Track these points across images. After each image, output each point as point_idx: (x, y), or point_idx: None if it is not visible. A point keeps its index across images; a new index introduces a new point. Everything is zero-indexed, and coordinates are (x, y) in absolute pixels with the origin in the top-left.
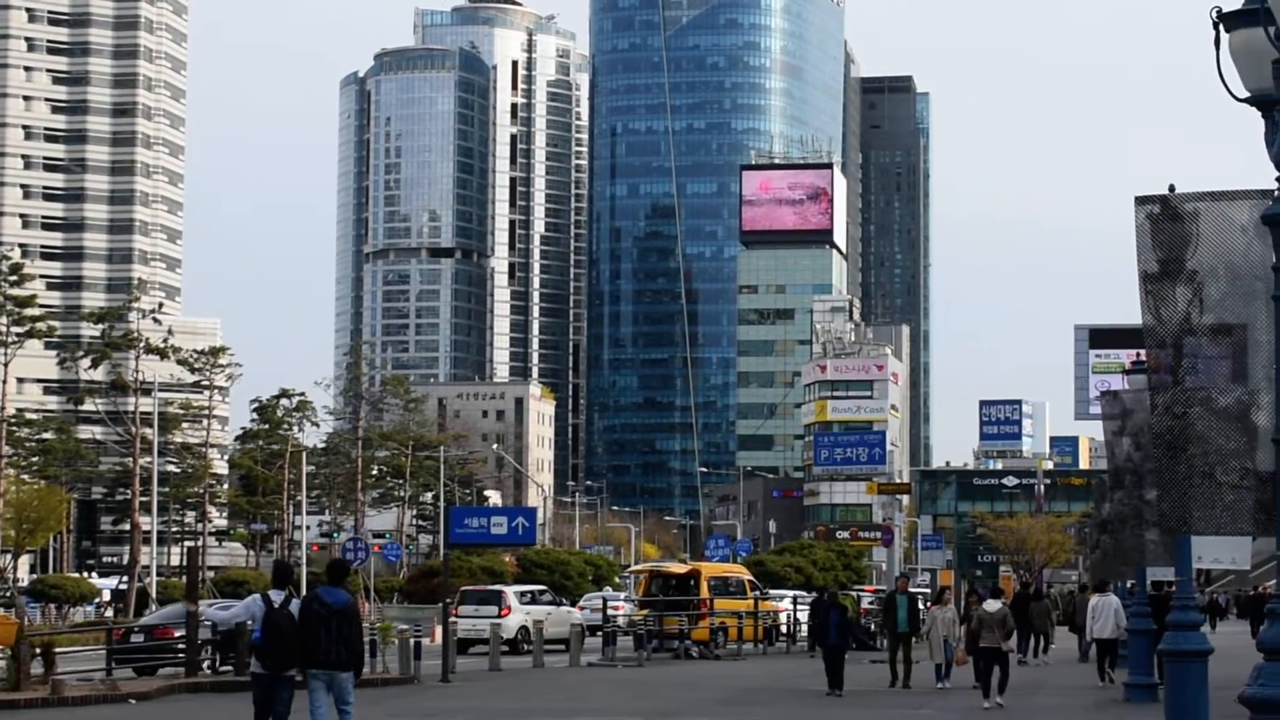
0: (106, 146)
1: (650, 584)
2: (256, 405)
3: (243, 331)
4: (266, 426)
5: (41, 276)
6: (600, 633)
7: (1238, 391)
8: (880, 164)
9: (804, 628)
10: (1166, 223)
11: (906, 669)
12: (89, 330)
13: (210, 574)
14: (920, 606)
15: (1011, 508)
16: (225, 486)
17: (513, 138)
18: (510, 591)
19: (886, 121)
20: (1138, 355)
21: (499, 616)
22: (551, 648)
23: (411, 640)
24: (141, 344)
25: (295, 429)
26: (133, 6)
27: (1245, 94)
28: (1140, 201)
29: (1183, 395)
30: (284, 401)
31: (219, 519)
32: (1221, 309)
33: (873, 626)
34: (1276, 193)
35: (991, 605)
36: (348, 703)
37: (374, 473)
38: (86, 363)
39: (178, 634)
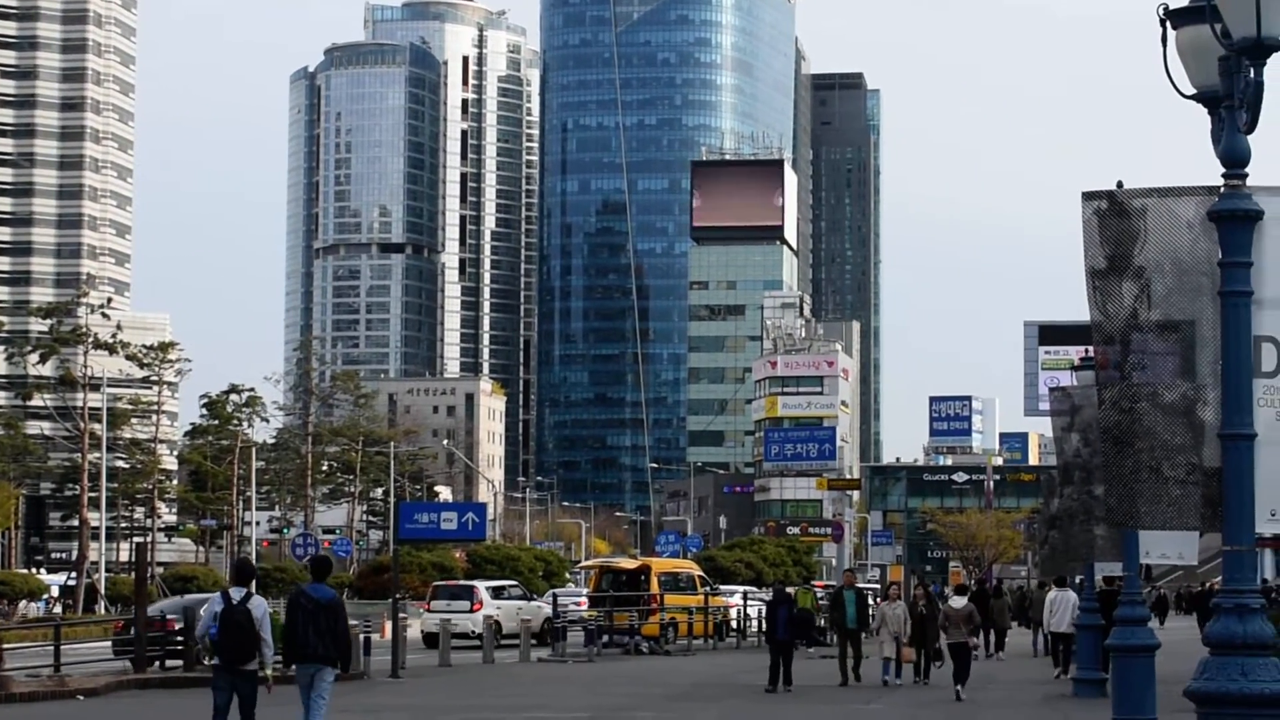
0: (55, 141)
1: (601, 580)
2: (206, 401)
3: (193, 327)
4: (216, 422)
5: None
6: (553, 628)
7: (1184, 387)
8: (831, 160)
9: (754, 624)
10: (1114, 219)
11: (856, 665)
12: (37, 325)
13: (160, 570)
14: (871, 602)
15: (961, 503)
16: (174, 482)
17: (463, 133)
18: (482, 587)
19: (837, 118)
20: (1086, 351)
21: (470, 611)
22: (509, 642)
23: (361, 636)
24: (90, 339)
25: (245, 424)
26: (81, 0)
27: (1192, 91)
28: (1087, 197)
29: (1129, 391)
30: (234, 397)
31: (168, 515)
32: (1168, 305)
33: (822, 622)
34: (1223, 189)
35: (957, 602)
36: (322, 697)
37: (324, 468)
38: (35, 358)
39: (179, 626)
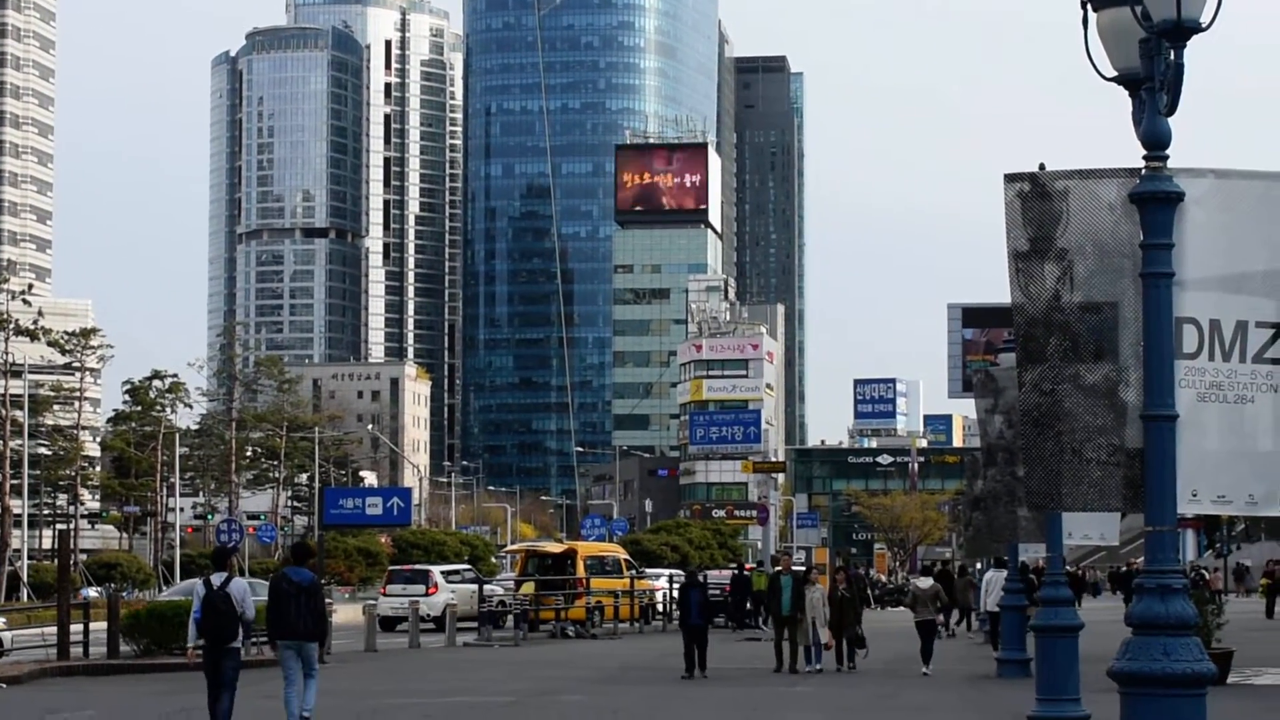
0: None
1: (526, 563)
2: (129, 387)
3: (115, 313)
4: (139, 408)
5: None
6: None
7: (1106, 369)
8: (755, 144)
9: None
10: (1036, 200)
11: (793, 652)
12: None
13: (83, 557)
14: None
15: (886, 485)
16: (97, 469)
17: (386, 117)
18: (437, 571)
19: (761, 101)
20: (1008, 333)
21: (426, 595)
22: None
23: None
24: (11, 325)
25: (168, 410)
26: None
27: (1113, 73)
28: (1010, 179)
29: (1050, 373)
30: (156, 383)
31: (91, 501)
32: (1090, 286)
33: (748, 605)
34: (1144, 171)
35: (924, 582)
36: (314, 668)
37: (248, 454)
38: None
39: None
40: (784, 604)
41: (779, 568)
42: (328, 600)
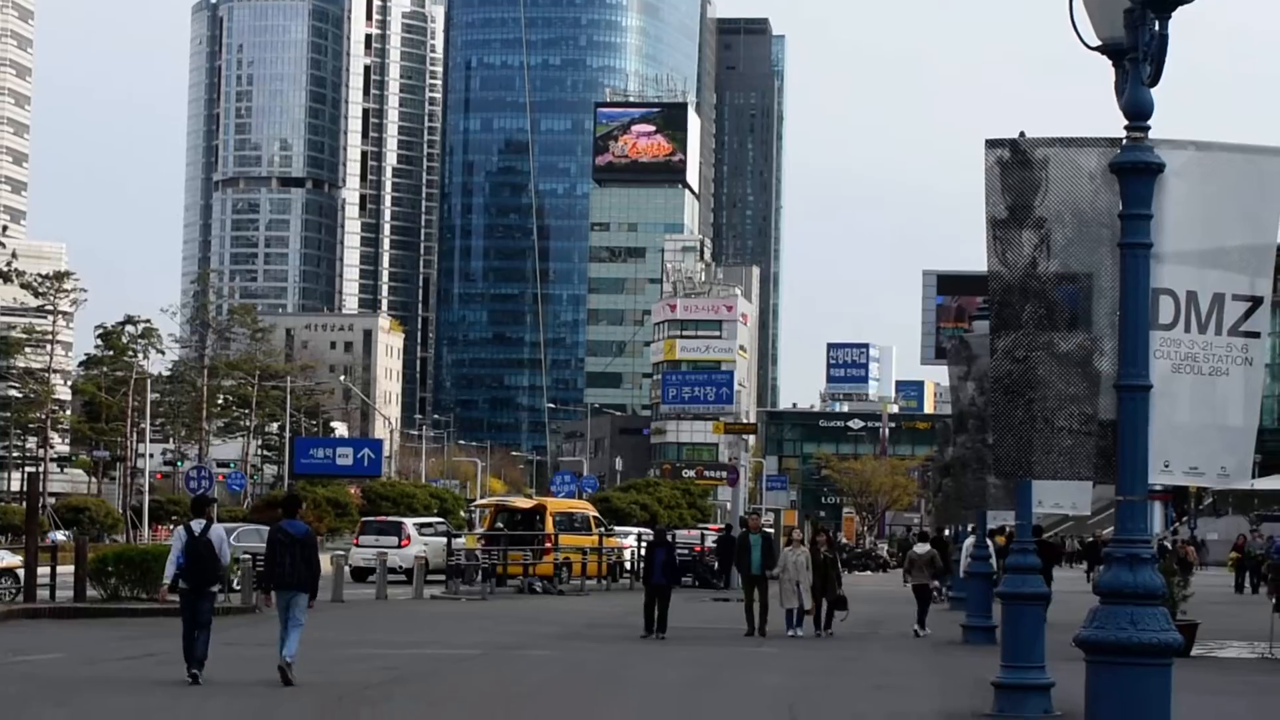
0: None
1: (495, 518)
2: (101, 332)
3: (89, 257)
4: (111, 353)
5: None
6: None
7: (1080, 337)
8: (735, 105)
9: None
10: (1016, 168)
11: (763, 614)
12: None
13: (52, 500)
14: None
15: (856, 450)
16: (68, 412)
17: (366, 69)
18: (409, 523)
19: (742, 63)
20: (981, 300)
21: (399, 547)
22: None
23: (256, 571)
24: None
25: (140, 356)
26: None
27: (1097, 43)
28: (990, 145)
29: (1024, 340)
30: (129, 328)
31: (61, 445)
32: (1067, 255)
33: (715, 565)
34: (1125, 141)
35: (921, 548)
36: (299, 621)
37: (220, 402)
38: None
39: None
40: (754, 563)
41: (747, 527)
42: (344, 551)
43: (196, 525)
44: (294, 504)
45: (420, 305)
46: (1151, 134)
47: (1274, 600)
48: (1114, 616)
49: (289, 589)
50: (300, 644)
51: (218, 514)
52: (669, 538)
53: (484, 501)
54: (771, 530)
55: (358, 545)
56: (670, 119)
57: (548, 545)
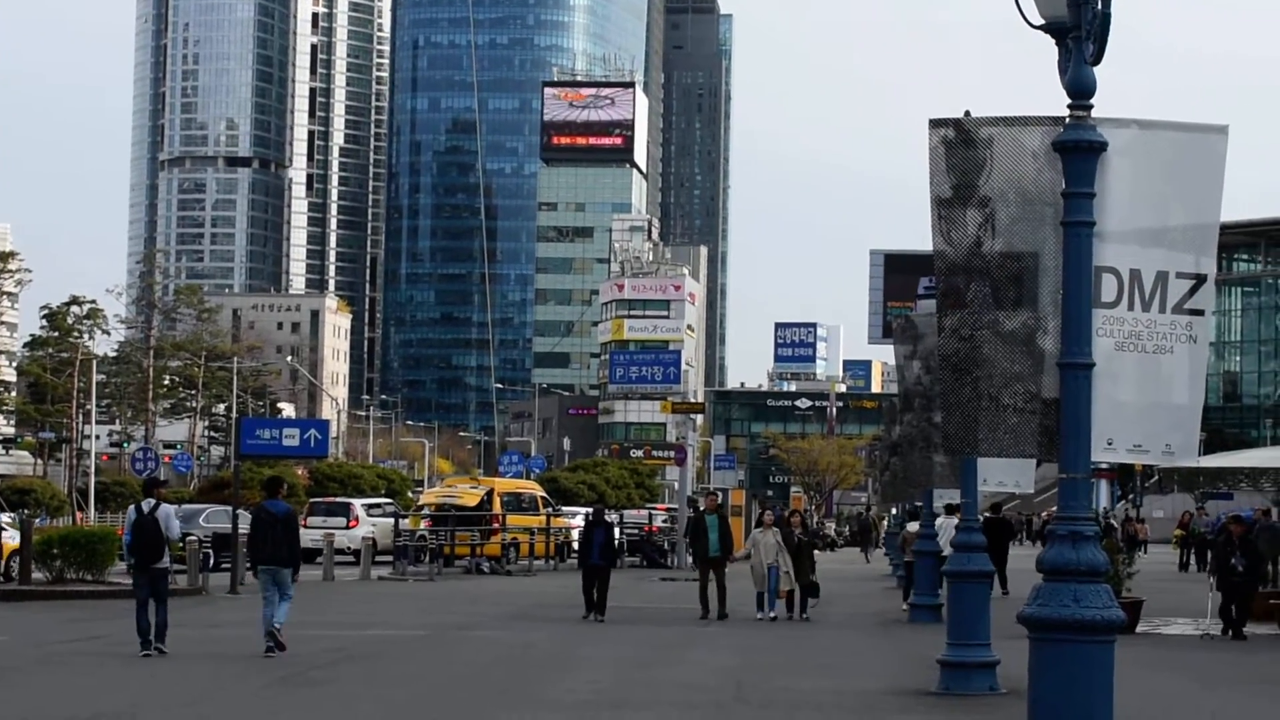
0: None
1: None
2: (46, 312)
3: (34, 237)
4: (56, 334)
5: None
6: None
7: (1024, 316)
8: (682, 84)
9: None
10: (960, 147)
11: (721, 597)
12: None
13: None
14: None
15: (804, 429)
16: (13, 394)
17: (313, 47)
18: (358, 504)
19: (689, 42)
20: (923, 282)
21: (347, 528)
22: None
23: (200, 552)
24: None
25: (86, 337)
26: None
27: (1040, 21)
28: (935, 125)
29: (970, 318)
30: (75, 309)
31: (6, 427)
32: (1011, 234)
33: (666, 545)
34: (1068, 120)
35: (913, 526)
36: (288, 591)
37: (166, 383)
38: None
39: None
40: (710, 545)
41: (704, 507)
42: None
43: (146, 504)
44: (276, 485)
45: (368, 285)
46: (1095, 112)
47: (1212, 579)
48: (1057, 594)
49: (270, 564)
50: (289, 613)
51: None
52: (607, 518)
53: (429, 497)
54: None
55: (306, 526)
56: (618, 98)
57: (495, 526)
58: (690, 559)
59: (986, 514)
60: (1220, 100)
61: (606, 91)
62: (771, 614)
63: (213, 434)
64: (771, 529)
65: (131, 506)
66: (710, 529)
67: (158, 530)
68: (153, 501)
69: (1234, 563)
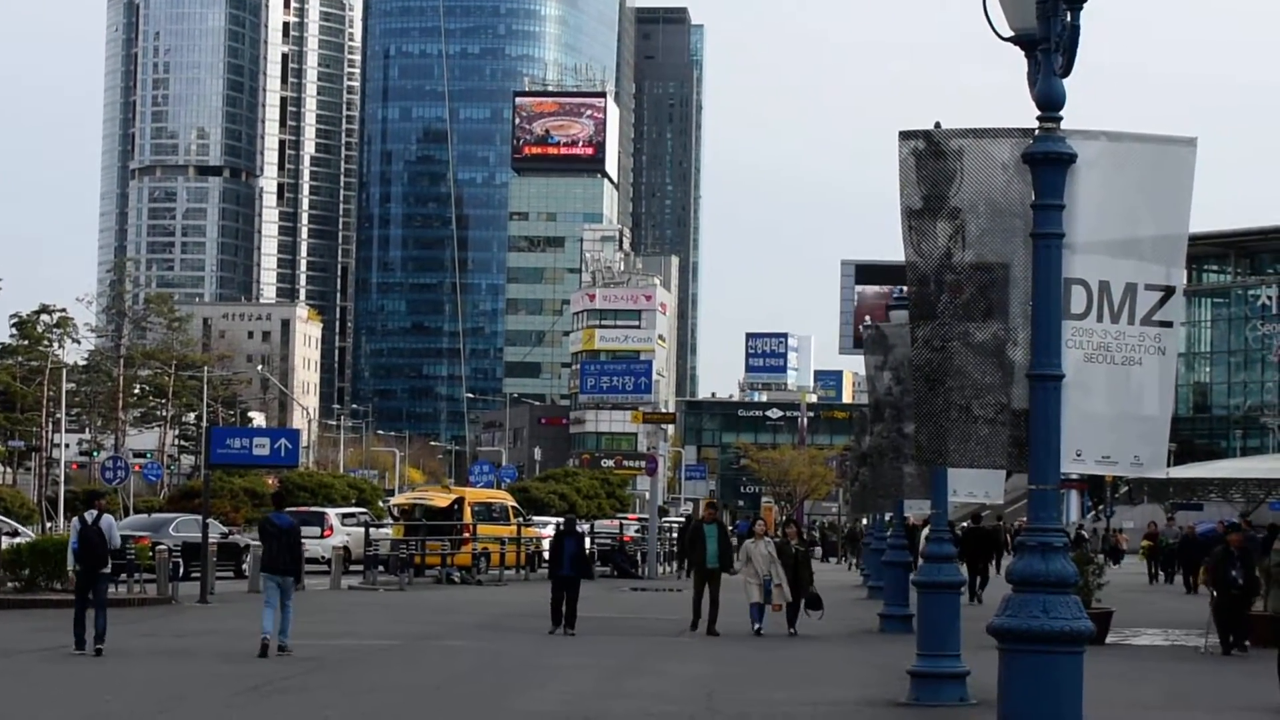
0: None
1: (414, 511)
2: (16, 320)
3: (3, 245)
4: (26, 342)
5: None
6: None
7: (995, 327)
8: (654, 95)
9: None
10: (930, 159)
11: (713, 613)
12: None
13: None
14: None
15: (775, 439)
16: None
17: (284, 57)
18: (333, 513)
19: (660, 52)
20: (894, 292)
21: (321, 537)
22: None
23: (170, 561)
24: None
25: (56, 345)
26: None
27: (1010, 33)
28: (905, 137)
29: (941, 329)
30: (44, 317)
31: None
32: (981, 245)
33: (639, 555)
34: (1038, 131)
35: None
36: (289, 601)
37: (136, 392)
38: None
39: (149, 541)
40: (709, 555)
41: (702, 516)
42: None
43: (89, 515)
44: (282, 499)
45: (338, 294)
46: (1064, 124)
47: (1212, 594)
48: (1026, 605)
49: (275, 573)
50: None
51: (133, 504)
52: (578, 528)
53: (399, 500)
54: (682, 520)
55: None
56: (589, 108)
57: (466, 535)
58: (684, 569)
59: (966, 525)
60: (1189, 121)
61: (578, 101)
62: (758, 627)
63: (183, 443)
64: (764, 538)
65: (76, 518)
66: (709, 539)
67: (102, 540)
68: (95, 513)
69: (1234, 575)
